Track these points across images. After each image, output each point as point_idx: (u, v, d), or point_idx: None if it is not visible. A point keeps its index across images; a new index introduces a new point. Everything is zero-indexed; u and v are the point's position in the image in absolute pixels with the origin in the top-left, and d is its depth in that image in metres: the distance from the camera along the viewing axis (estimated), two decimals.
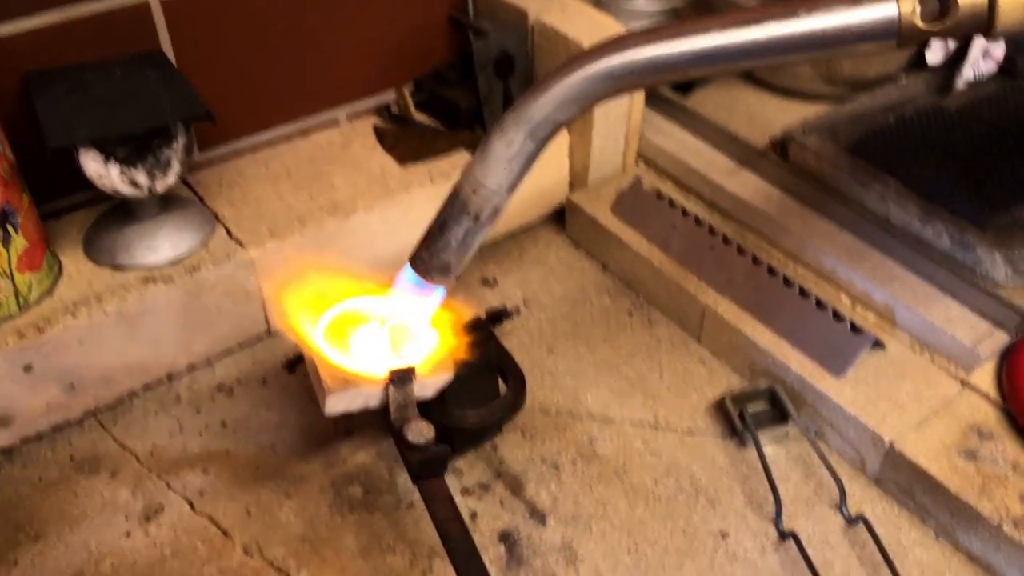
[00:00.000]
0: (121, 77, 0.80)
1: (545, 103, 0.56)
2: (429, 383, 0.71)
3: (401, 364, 0.70)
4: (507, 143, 0.58)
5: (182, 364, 0.87)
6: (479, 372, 0.75)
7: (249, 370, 0.88)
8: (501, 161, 0.58)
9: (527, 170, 0.60)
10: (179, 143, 0.78)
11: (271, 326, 0.91)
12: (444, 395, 0.73)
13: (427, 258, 0.64)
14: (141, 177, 0.77)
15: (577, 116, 0.58)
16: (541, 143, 0.58)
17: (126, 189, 0.77)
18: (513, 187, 0.60)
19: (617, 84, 0.55)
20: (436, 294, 0.67)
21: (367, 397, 0.69)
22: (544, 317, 0.96)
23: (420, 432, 0.67)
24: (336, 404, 0.69)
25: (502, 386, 0.80)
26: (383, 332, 0.72)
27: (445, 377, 0.71)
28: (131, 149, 0.76)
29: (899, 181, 0.87)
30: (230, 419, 0.84)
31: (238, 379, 0.87)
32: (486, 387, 0.78)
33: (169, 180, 0.79)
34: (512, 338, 0.93)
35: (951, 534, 0.74)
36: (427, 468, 0.66)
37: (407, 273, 0.66)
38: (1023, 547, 0.69)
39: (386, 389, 0.69)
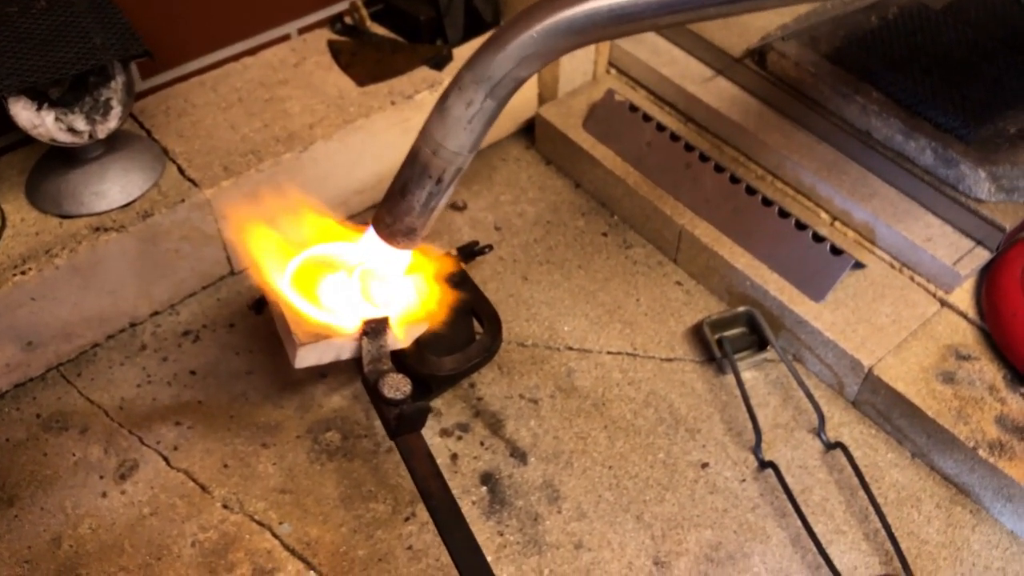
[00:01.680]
0: (45, 9, 0.73)
1: (504, 60, 0.51)
2: (404, 333, 0.69)
3: (374, 313, 0.67)
4: (466, 103, 0.53)
5: (144, 311, 0.84)
6: (454, 315, 0.73)
7: (215, 313, 0.85)
8: (461, 122, 0.54)
9: (489, 127, 0.56)
10: (118, 82, 0.72)
11: (234, 266, 0.88)
12: (419, 340, 0.71)
13: (390, 222, 0.60)
14: (80, 123, 0.72)
15: (540, 70, 0.54)
16: (503, 101, 0.54)
17: (64, 137, 0.72)
18: (475, 147, 0.57)
19: (579, 38, 0.51)
20: (403, 255, 0.64)
21: (339, 349, 0.67)
22: (517, 242, 0.93)
23: (396, 387, 0.65)
24: (307, 357, 0.67)
25: (478, 326, 0.78)
26: (354, 279, 0.69)
27: (421, 327, 0.69)
28: (65, 88, 0.71)
29: (881, 92, 0.84)
30: (198, 366, 0.81)
31: (204, 324, 0.84)
32: (461, 330, 0.76)
33: (111, 124, 0.73)
34: (485, 267, 0.90)
35: (927, 456, 0.75)
36: (405, 424, 0.64)
37: (371, 236, 0.63)
38: (997, 469, 0.70)
39: (359, 340, 0.67)
